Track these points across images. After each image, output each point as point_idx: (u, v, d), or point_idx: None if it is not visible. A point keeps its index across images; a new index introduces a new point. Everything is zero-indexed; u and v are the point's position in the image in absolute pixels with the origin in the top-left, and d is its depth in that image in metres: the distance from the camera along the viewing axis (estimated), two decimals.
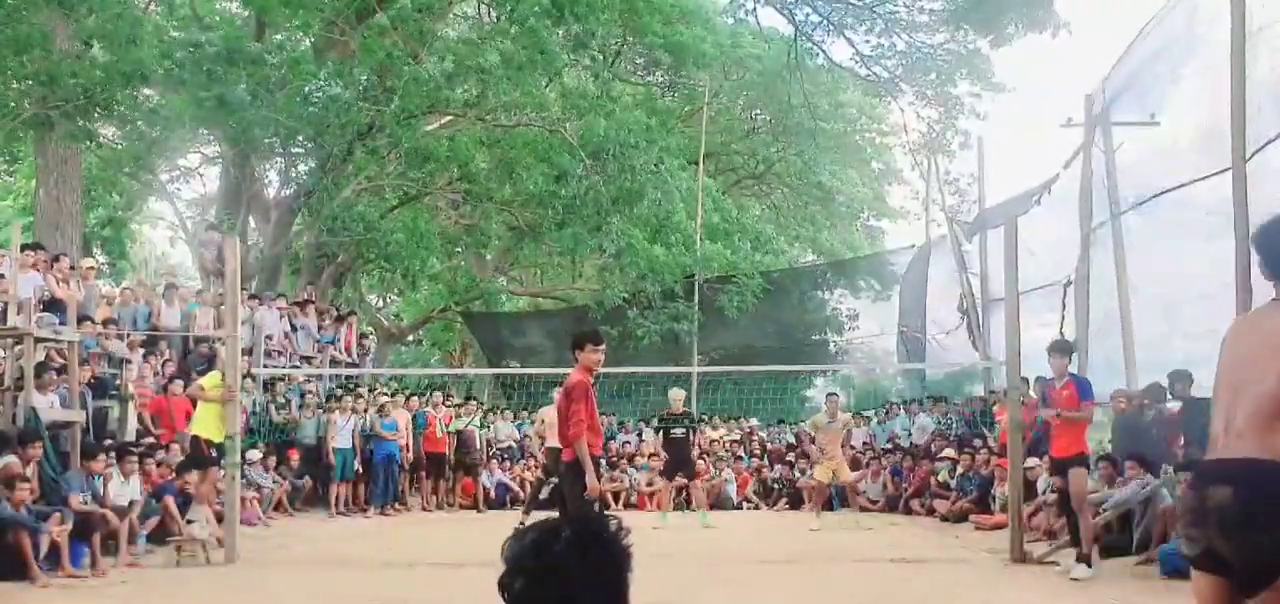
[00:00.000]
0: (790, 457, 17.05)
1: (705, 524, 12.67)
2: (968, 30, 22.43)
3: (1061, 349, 9.08)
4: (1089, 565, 8.25)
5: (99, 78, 14.24)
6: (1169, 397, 10.00)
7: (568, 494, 7.07)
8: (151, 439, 11.55)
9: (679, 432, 13.57)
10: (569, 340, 7.46)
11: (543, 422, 13.53)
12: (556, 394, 13.33)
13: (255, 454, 13.38)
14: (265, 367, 14.55)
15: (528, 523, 1.96)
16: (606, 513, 2.27)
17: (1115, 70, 11.84)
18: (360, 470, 14.59)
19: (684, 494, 14.87)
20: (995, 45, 22.50)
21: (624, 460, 16.79)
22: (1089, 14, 51.64)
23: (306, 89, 17.05)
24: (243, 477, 10.94)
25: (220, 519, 9.96)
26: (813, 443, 14.57)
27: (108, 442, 10.55)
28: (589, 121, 19.29)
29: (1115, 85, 11.89)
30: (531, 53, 17.35)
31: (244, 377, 11.54)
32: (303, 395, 15.19)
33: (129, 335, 12.85)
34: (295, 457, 14.16)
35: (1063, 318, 13.15)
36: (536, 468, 14.91)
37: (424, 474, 15.54)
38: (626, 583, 1.88)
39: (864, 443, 17.02)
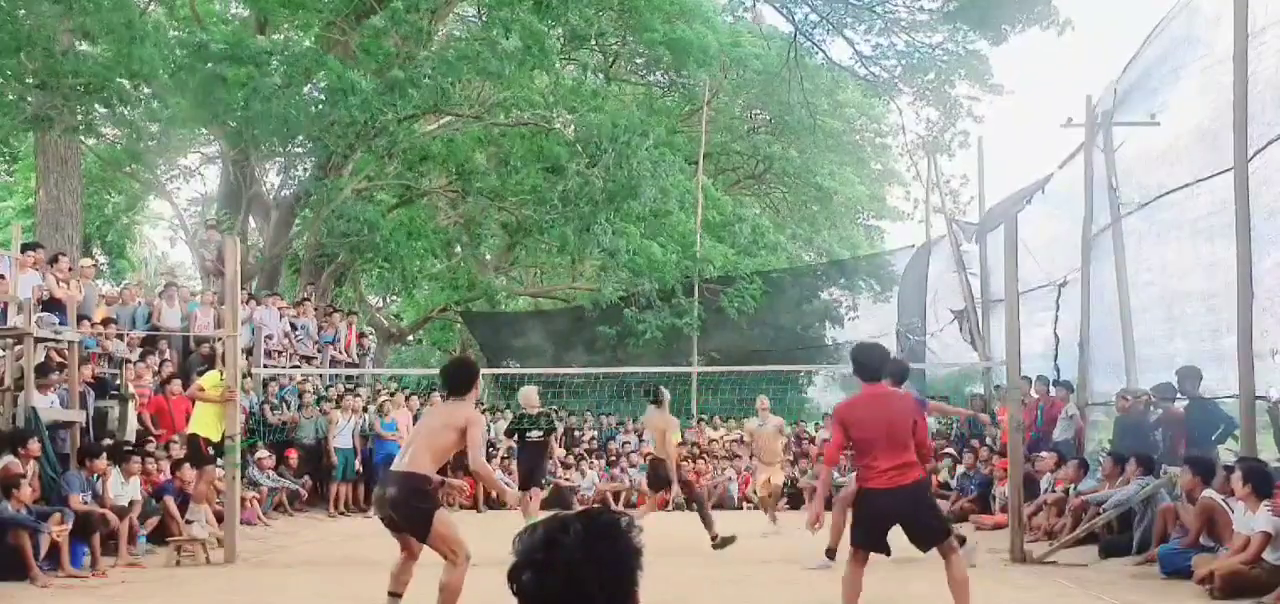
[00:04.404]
0: (789, 456, 17.03)
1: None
2: (965, 29, 22.33)
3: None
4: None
5: (98, 72, 14.22)
6: (1177, 395, 9.96)
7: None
8: (151, 439, 11.54)
9: (536, 435, 11.51)
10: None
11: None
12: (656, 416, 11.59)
13: (265, 456, 13.41)
14: (265, 367, 14.54)
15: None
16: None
17: (1125, 74, 11.82)
18: (360, 470, 14.58)
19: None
20: (993, 42, 22.41)
21: (623, 459, 16.76)
22: (1087, 15, 51.71)
23: (312, 89, 17.00)
24: (245, 475, 10.93)
25: (220, 519, 9.95)
26: (743, 445, 14.25)
27: (107, 442, 10.53)
28: (581, 117, 19.23)
29: (1125, 88, 11.87)
30: (531, 49, 17.31)
31: (244, 377, 11.53)
32: (299, 395, 15.18)
33: (128, 335, 12.83)
34: (294, 456, 14.16)
35: (1057, 318, 13.15)
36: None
37: None
38: (635, 580, 1.85)
39: None
